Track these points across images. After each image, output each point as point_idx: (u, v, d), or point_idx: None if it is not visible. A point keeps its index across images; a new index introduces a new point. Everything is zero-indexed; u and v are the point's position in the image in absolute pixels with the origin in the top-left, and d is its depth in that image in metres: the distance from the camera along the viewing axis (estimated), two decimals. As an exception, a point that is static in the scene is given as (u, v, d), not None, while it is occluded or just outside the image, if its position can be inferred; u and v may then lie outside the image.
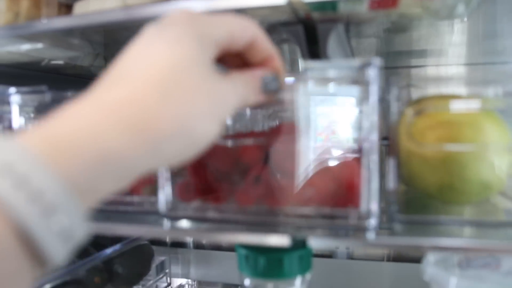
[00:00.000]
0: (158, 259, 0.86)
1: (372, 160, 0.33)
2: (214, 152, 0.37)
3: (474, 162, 0.39)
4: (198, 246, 0.93)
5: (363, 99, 0.33)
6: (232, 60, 0.32)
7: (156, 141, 0.24)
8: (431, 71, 0.76)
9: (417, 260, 0.77)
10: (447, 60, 0.72)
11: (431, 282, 0.45)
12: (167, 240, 0.90)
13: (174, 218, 0.39)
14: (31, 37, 0.55)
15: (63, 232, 0.20)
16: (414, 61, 0.74)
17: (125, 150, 0.23)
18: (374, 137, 0.33)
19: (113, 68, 0.26)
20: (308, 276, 0.48)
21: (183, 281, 0.91)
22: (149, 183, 0.44)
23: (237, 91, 0.29)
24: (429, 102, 0.41)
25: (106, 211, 0.46)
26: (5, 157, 0.19)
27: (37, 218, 0.19)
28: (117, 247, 0.72)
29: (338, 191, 0.35)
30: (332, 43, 0.48)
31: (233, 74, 0.29)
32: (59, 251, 0.20)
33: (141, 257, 0.81)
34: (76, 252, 0.66)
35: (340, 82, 0.34)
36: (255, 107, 0.35)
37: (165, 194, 0.39)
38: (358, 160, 0.34)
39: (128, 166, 0.23)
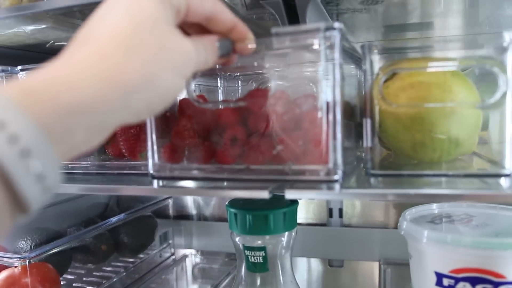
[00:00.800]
0: (161, 230, 0.89)
1: (337, 118, 0.35)
2: (195, 116, 0.40)
3: (442, 119, 0.42)
4: (200, 218, 0.97)
5: (327, 61, 0.35)
6: (195, 33, 0.35)
7: (125, 92, 0.26)
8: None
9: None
10: (435, 32, 0.74)
11: (406, 235, 0.48)
12: (170, 213, 0.93)
13: (162, 179, 0.41)
14: (35, 18, 0.58)
15: (38, 174, 0.22)
16: (409, 34, 0.76)
17: (97, 102, 0.24)
18: (337, 96, 0.35)
19: (82, 30, 0.28)
20: (294, 232, 0.52)
21: (186, 251, 0.95)
22: (145, 150, 0.48)
23: (198, 50, 0.32)
24: (401, 65, 0.44)
25: (105, 174, 0.50)
26: None
27: (14, 159, 0.20)
28: (121, 216, 0.76)
29: (307, 148, 0.37)
30: (311, 16, 0.50)
31: (193, 37, 0.32)
32: (35, 193, 0.22)
33: (145, 227, 0.85)
34: (85, 222, 0.71)
35: (306, 46, 0.36)
36: (217, 69, 0.38)
37: (152, 156, 0.41)
38: (325, 118, 0.36)
39: (100, 117, 0.25)
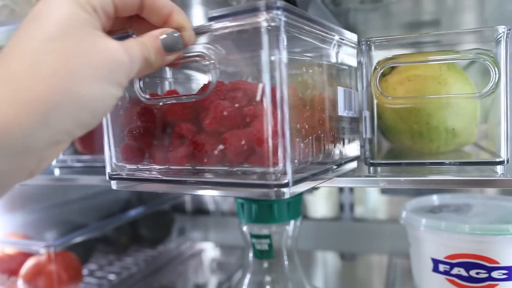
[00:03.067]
0: (179, 224, 0.93)
1: (284, 112, 0.29)
2: (147, 113, 0.37)
3: (437, 110, 0.43)
4: (218, 212, 1.00)
5: (272, 49, 0.29)
6: (141, 30, 0.32)
7: (42, 111, 0.23)
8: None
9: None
10: (443, 30, 0.75)
11: (406, 224, 0.50)
12: (188, 208, 0.97)
13: (119, 179, 0.39)
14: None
15: None
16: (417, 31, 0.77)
17: (11, 127, 0.22)
18: (285, 89, 0.29)
19: (5, 47, 0.26)
20: (299, 221, 0.54)
21: (204, 245, 0.99)
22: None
23: (131, 52, 0.28)
24: (397, 59, 0.46)
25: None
26: None
27: None
28: (139, 210, 0.80)
29: (250, 147, 0.31)
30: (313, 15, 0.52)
31: (130, 39, 0.29)
32: None
33: (163, 221, 0.89)
34: (108, 217, 0.75)
35: (246, 31, 0.30)
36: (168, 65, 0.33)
37: (110, 157, 0.39)
38: (269, 113, 0.29)
39: (19, 142, 0.23)
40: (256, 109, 0.30)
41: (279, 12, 0.29)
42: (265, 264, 0.54)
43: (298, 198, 0.53)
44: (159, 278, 0.82)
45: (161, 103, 0.35)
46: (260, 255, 0.53)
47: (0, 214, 0.76)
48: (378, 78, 0.44)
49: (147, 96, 0.36)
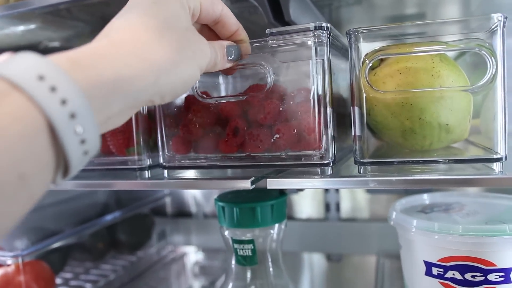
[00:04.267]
0: (159, 228, 0.89)
1: (327, 108, 0.39)
2: (200, 110, 0.44)
3: (430, 105, 0.41)
4: (200, 215, 0.97)
5: (317, 59, 0.39)
6: (206, 36, 0.38)
7: (156, 72, 0.30)
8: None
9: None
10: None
11: (396, 226, 0.48)
12: (168, 210, 0.93)
13: (171, 168, 0.45)
14: (23, 18, 0.58)
15: (81, 136, 0.24)
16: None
17: (133, 78, 0.28)
18: (327, 88, 0.39)
19: (116, 20, 0.32)
20: (283, 224, 0.51)
21: (186, 248, 0.95)
22: (132, 145, 0.47)
23: (212, 50, 0.36)
24: (387, 50, 0.43)
25: (94, 170, 0.50)
26: (40, 70, 0.23)
27: (63, 119, 0.23)
28: (116, 214, 0.76)
29: (301, 135, 0.40)
30: (295, 9, 0.50)
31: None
32: (77, 154, 0.25)
33: (142, 225, 0.85)
34: (84, 222, 0.70)
35: (298, 44, 0.40)
36: (223, 72, 0.41)
37: (163, 148, 0.45)
38: (316, 109, 0.39)
39: (133, 93, 0.28)
40: (306, 106, 0.40)
41: (323, 32, 0.39)
42: (249, 271, 0.51)
43: (282, 201, 0.50)
44: (140, 285, 0.78)
45: (216, 102, 0.44)
46: (243, 261, 0.50)
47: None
48: (367, 71, 0.41)
49: (205, 96, 0.44)
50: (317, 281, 0.84)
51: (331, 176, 0.38)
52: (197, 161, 0.44)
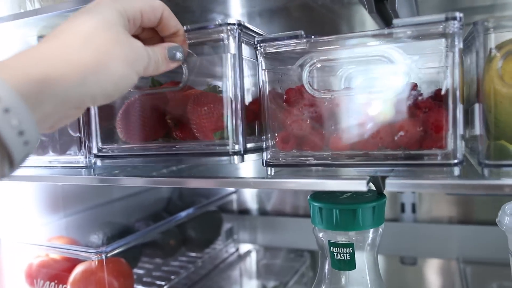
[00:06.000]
0: (226, 225, 0.88)
1: (458, 104, 0.36)
2: (309, 105, 0.42)
3: None
4: (262, 212, 0.96)
5: (447, 52, 0.36)
6: (151, 38, 0.43)
7: (82, 73, 0.32)
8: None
9: (483, 222, 0.76)
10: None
11: (507, 231, 0.44)
12: (234, 207, 0.92)
13: (276, 166, 0.44)
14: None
15: (18, 128, 0.28)
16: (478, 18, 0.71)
17: (59, 77, 0.31)
18: (456, 82, 0.36)
19: (57, 28, 0.34)
20: (381, 228, 0.48)
21: (250, 246, 0.94)
22: (219, 129, 0.46)
23: (148, 52, 0.39)
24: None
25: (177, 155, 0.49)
26: None
27: None
28: (190, 211, 0.75)
29: (425, 134, 0.38)
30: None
31: (146, 45, 0.39)
32: (18, 145, 0.28)
33: (211, 223, 0.84)
34: (151, 216, 0.70)
35: (425, 37, 0.37)
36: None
37: (267, 145, 0.45)
38: (442, 106, 0.37)
39: (61, 91, 0.31)
40: (432, 103, 0.38)
41: (455, 22, 0.36)
42: (344, 276, 0.48)
43: (382, 203, 0.48)
44: (209, 284, 0.77)
45: (331, 96, 0.42)
46: (340, 265, 0.48)
47: (43, 217, 0.73)
48: (500, 65, 0.38)
49: (319, 90, 0.43)
50: (390, 284, 0.81)
51: (460, 178, 0.35)
52: (302, 158, 0.43)
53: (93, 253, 0.58)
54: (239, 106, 0.44)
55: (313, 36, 0.42)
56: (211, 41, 0.44)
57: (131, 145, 0.50)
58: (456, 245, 0.76)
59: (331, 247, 0.47)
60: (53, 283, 0.63)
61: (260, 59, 0.45)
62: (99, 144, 0.52)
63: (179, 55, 0.42)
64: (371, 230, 0.47)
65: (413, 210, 0.81)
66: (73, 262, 0.64)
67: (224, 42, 0.43)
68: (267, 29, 0.69)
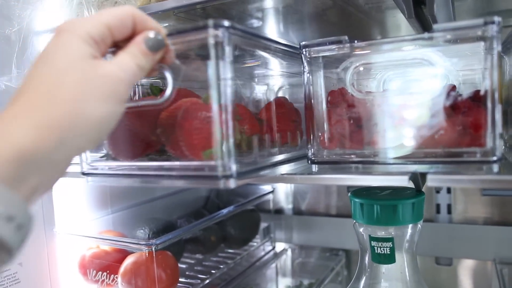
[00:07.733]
0: (263, 224, 0.91)
1: (497, 104, 0.37)
2: (352, 105, 0.44)
3: None
4: (297, 212, 0.98)
5: (486, 54, 0.37)
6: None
7: (59, 134, 0.29)
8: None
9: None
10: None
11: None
12: (271, 207, 0.95)
13: (320, 163, 0.46)
14: (161, 17, 0.61)
15: (5, 215, 0.25)
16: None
17: (36, 147, 0.28)
18: (495, 83, 0.37)
19: (21, 83, 0.31)
20: (420, 224, 0.51)
21: (285, 245, 0.96)
22: (208, 148, 0.38)
23: (124, 66, 0.33)
24: None
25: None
26: None
27: None
28: (230, 208, 0.78)
29: (464, 133, 0.39)
30: (438, 2, 0.49)
31: (118, 53, 0.34)
32: (9, 232, 0.25)
33: (250, 221, 0.87)
34: (191, 214, 0.74)
35: (464, 41, 0.39)
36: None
37: (312, 144, 0.46)
38: (481, 106, 0.38)
39: (44, 160, 0.28)
40: (471, 104, 0.40)
41: (494, 26, 0.37)
42: (384, 269, 0.51)
43: (421, 199, 0.50)
44: (246, 280, 0.80)
45: (371, 97, 0.44)
46: (380, 259, 0.50)
47: (93, 212, 0.77)
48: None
49: (362, 92, 0.44)
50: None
51: (499, 174, 0.37)
52: (345, 156, 0.45)
53: (143, 245, 0.62)
54: (229, 118, 0.37)
55: (356, 41, 0.45)
56: (199, 44, 0.37)
57: (119, 163, 0.46)
58: (492, 246, 0.76)
59: (372, 241, 0.50)
60: (105, 273, 0.67)
61: (305, 63, 0.47)
62: (88, 161, 0.47)
63: (159, 40, 0.35)
64: (410, 225, 0.50)
65: (449, 211, 0.82)
66: (123, 254, 0.68)
67: (213, 45, 0.36)
68: (299, 35, 0.71)
